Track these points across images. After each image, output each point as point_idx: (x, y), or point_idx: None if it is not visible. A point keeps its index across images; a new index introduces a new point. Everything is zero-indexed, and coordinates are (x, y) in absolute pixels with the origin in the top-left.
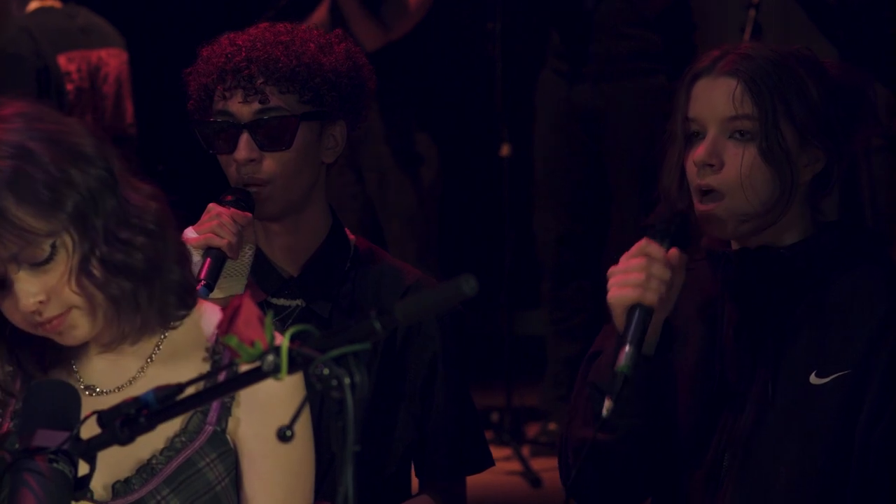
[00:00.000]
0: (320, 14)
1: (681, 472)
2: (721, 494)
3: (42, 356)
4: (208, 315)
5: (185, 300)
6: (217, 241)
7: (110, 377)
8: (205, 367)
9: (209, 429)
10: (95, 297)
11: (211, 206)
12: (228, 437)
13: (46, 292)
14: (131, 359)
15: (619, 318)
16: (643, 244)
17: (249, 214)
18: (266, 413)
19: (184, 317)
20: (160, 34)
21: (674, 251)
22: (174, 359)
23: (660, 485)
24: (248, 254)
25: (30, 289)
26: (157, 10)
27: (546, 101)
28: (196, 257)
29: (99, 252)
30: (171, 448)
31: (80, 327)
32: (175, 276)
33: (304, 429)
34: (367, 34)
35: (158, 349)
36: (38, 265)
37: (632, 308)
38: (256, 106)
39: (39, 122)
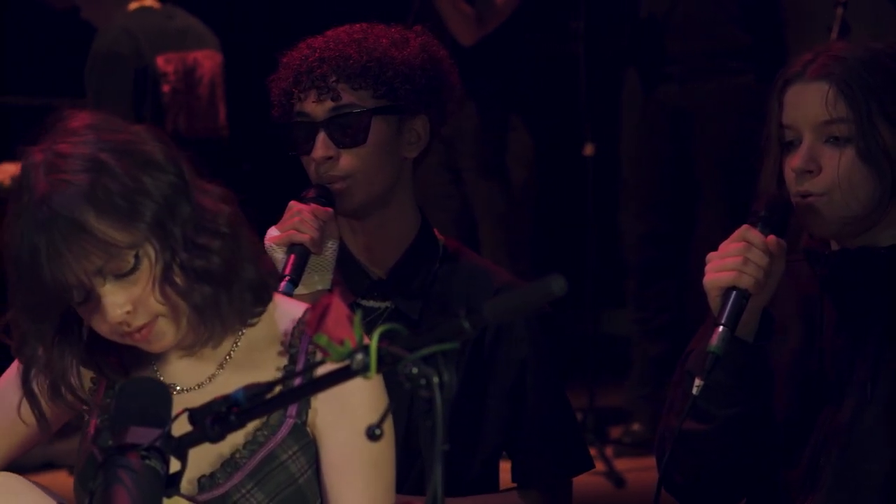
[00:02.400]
0: None
1: (777, 468)
2: (817, 493)
3: (122, 361)
4: (282, 308)
5: (262, 297)
6: (299, 237)
7: (191, 375)
8: (281, 361)
9: (290, 421)
10: (179, 304)
11: (292, 203)
12: (309, 429)
13: (133, 303)
14: (211, 357)
15: (714, 301)
16: (743, 230)
17: (330, 209)
18: (344, 404)
19: (261, 313)
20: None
21: (773, 238)
22: (251, 354)
23: (755, 481)
24: (331, 248)
25: (116, 300)
26: (252, 9)
27: (633, 99)
28: (280, 254)
29: (179, 259)
30: (253, 442)
31: (166, 335)
32: (250, 274)
33: (386, 424)
34: (461, 28)
35: (237, 346)
36: (123, 276)
37: (727, 291)
38: (330, 104)
39: (108, 132)
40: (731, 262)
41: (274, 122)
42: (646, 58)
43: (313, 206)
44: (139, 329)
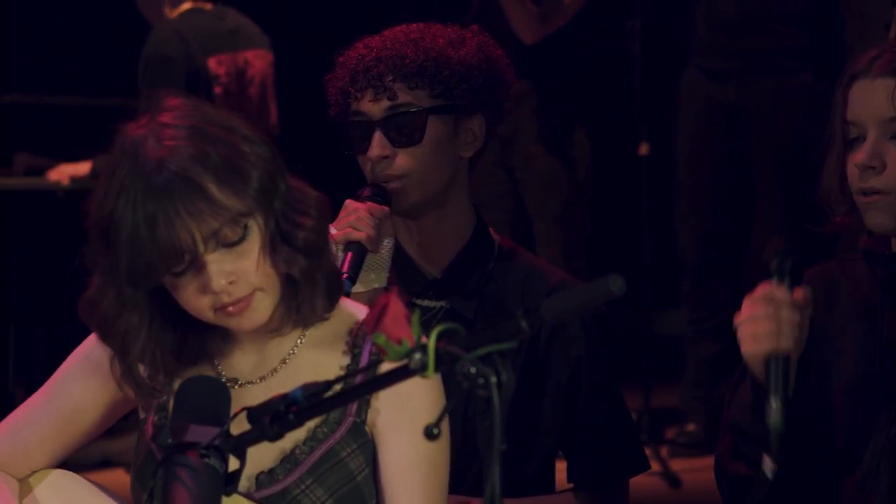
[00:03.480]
0: None
1: (834, 475)
2: (875, 498)
3: (181, 354)
4: (347, 308)
5: (336, 293)
6: (356, 235)
7: (253, 369)
8: (344, 361)
9: (350, 420)
10: (277, 279)
11: (348, 202)
12: (368, 428)
13: (237, 273)
14: (274, 351)
15: (756, 369)
16: (767, 290)
17: (386, 208)
18: (405, 406)
19: (331, 309)
20: (303, 32)
21: (798, 291)
22: (315, 351)
23: (812, 487)
24: (387, 246)
25: (222, 268)
26: (302, 8)
27: (689, 98)
28: (337, 252)
29: (281, 230)
30: (313, 438)
31: (260, 310)
32: (331, 267)
33: (444, 426)
34: (524, 26)
35: (301, 342)
36: (231, 245)
37: (769, 358)
38: (386, 103)
39: (205, 108)
40: (764, 329)
41: (330, 121)
42: (702, 56)
43: (369, 204)
44: (237, 301)
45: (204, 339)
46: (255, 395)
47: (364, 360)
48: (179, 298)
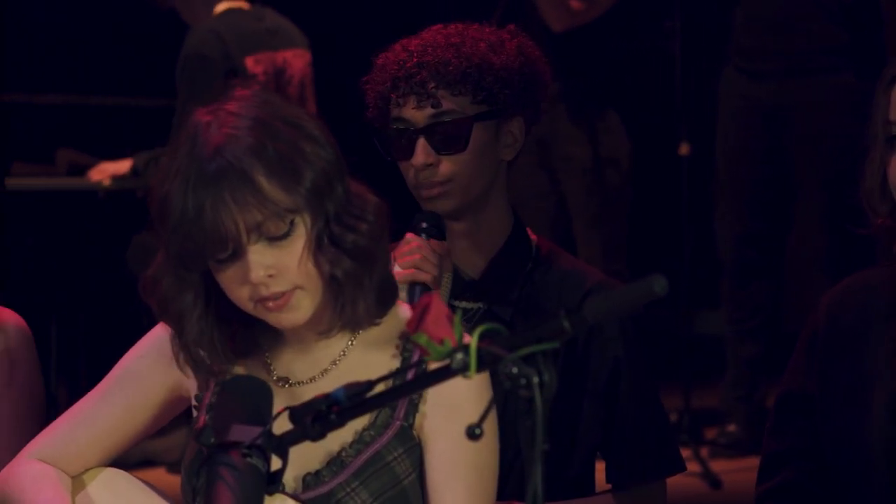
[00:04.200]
0: None
1: (863, 485)
2: None
3: (234, 343)
4: (401, 313)
5: (387, 299)
6: (422, 277)
7: (303, 369)
8: (394, 364)
9: (397, 424)
10: (320, 281)
11: (409, 237)
12: (415, 432)
13: (277, 267)
14: (325, 352)
15: None
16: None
17: (446, 244)
18: (452, 410)
19: (382, 316)
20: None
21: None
22: (366, 353)
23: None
24: (446, 282)
25: (263, 260)
26: (340, 9)
27: (728, 98)
28: (401, 293)
29: (329, 232)
30: (360, 441)
31: (300, 309)
32: (382, 272)
33: (490, 427)
34: (553, 13)
35: (352, 344)
36: (275, 239)
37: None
38: (430, 111)
39: (276, 101)
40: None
41: (369, 124)
42: (741, 56)
43: (433, 242)
44: (276, 296)
45: (254, 332)
46: (305, 396)
47: (413, 364)
48: (223, 287)
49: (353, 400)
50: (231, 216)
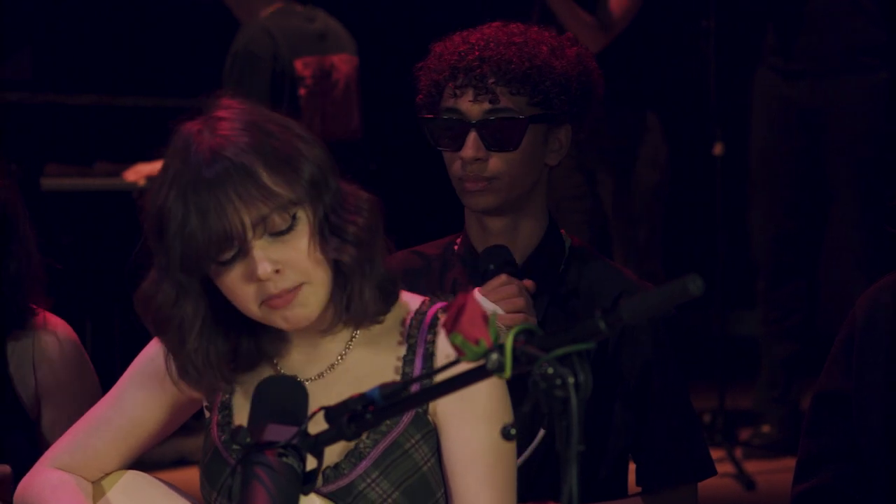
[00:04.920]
0: None
1: None
2: None
3: (235, 359)
4: (401, 299)
5: (388, 296)
6: (532, 321)
7: (311, 366)
8: (400, 351)
9: (412, 410)
10: (325, 274)
11: (505, 278)
12: (430, 418)
13: (283, 262)
14: (330, 346)
15: None
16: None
17: (530, 282)
18: (464, 394)
19: (387, 311)
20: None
21: None
22: (370, 344)
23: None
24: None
25: (269, 256)
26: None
27: (762, 98)
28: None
29: (330, 225)
30: (376, 431)
31: (308, 305)
32: (380, 269)
33: (505, 412)
34: (585, 37)
35: (356, 335)
36: (278, 234)
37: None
38: (486, 105)
39: (262, 110)
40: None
41: (417, 112)
42: (775, 56)
43: (527, 282)
44: (282, 293)
45: (259, 341)
46: (315, 392)
47: (420, 350)
48: (227, 291)
49: (388, 400)
50: (237, 213)
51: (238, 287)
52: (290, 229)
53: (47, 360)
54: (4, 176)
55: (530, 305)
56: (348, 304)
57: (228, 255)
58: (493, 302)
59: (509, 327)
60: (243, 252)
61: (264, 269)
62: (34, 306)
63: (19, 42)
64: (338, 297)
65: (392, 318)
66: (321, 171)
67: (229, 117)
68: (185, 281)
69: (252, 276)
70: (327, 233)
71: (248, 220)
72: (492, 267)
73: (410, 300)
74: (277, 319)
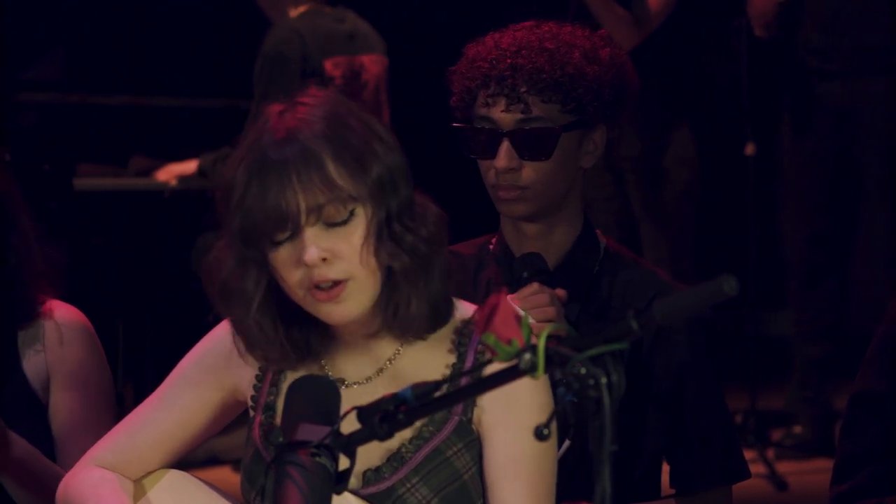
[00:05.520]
0: None
1: None
2: None
3: (290, 349)
4: (455, 307)
5: (442, 317)
6: (562, 332)
7: (359, 370)
8: (450, 360)
9: (456, 419)
10: (374, 274)
11: (536, 286)
12: (474, 426)
13: (332, 251)
14: (379, 351)
15: None
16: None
17: (562, 292)
18: (510, 403)
19: (433, 331)
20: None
21: None
22: (420, 350)
23: None
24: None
25: (319, 243)
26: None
27: (793, 98)
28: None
29: (390, 230)
30: (419, 437)
31: (351, 301)
32: (437, 286)
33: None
34: (619, 32)
35: (406, 340)
36: (333, 226)
37: None
38: (519, 115)
39: (349, 104)
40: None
41: (451, 115)
42: (809, 54)
43: (559, 291)
44: (329, 283)
45: (308, 334)
46: (362, 396)
47: (469, 359)
48: (278, 273)
49: (420, 400)
50: (294, 195)
51: (286, 269)
52: (345, 223)
53: (54, 342)
54: (1, 168)
55: (561, 315)
56: (395, 312)
57: (283, 236)
58: (524, 310)
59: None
60: (296, 235)
61: (311, 254)
62: (40, 297)
63: (51, 42)
64: (384, 304)
65: (444, 326)
66: (391, 174)
67: (312, 104)
68: (246, 253)
69: (300, 261)
70: (385, 237)
71: (303, 205)
72: (525, 275)
73: (463, 307)
74: (321, 311)
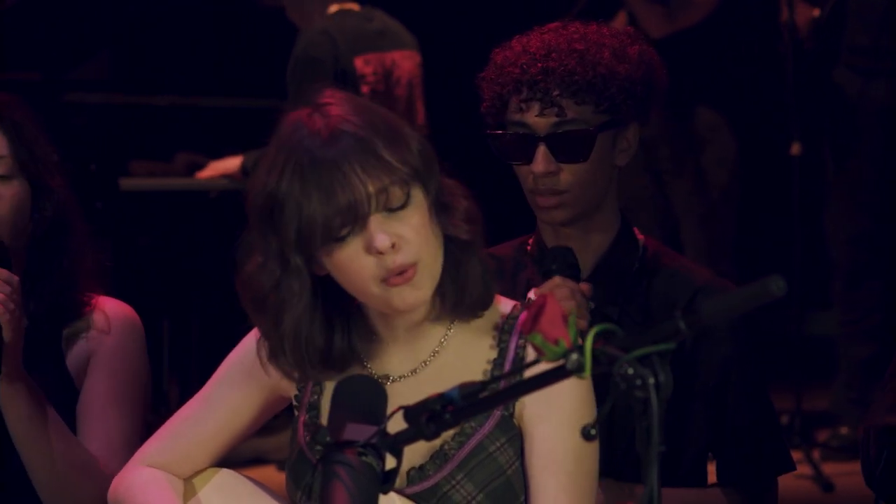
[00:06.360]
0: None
1: None
2: None
3: (328, 357)
4: (495, 303)
5: (490, 293)
6: (581, 325)
7: (403, 364)
8: (491, 355)
9: (497, 414)
10: (439, 250)
11: (559, 280)
12: (515, 421)
13: (399, 236)
14: (422, 345)
15: None
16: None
17: (586, 286)
18: (552, 398)
19: (487, 306)
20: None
21: None
22: (462, 345)
23: None
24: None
25: (386, 229)
26: (448, 10)
27: (840, 97)
28: None
29: (440, 205)
30: (461, 434)
31: (423, 287)
32: (485, 261)
33: (590, 415)
34: (650, 21)
35: (449, 333)
36: (394, 210)
37: None
38: (553, 119)
39: (365, 100)
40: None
41: (483, 122)
42: (854, 54)
43: (583, 285)
44: (402, 268)
45: (351, 339)
46: (406, 390)
47: (510, 354)
48: (342, 269)
49: (467, 400)
50: (361, 184)
51: (355, 262)
52: (405, 205)
53: (100, 331)
54: (62, 175)
55: (582, 308)
56: (462, 287)
57: (346, 231)
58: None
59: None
60: (361, 226)
61: (382, 240)
62: (88, 296)
63: (98, 44)
64: (449, 280)
65: (485, 321)
66: (427, 152)
67: (336, 102)
68: (296, 262)
69: (370, 248)
70: (439, 211)
71: (371, 189)
72: (553, 267)
73: (503, 304)
74: (394, 298)
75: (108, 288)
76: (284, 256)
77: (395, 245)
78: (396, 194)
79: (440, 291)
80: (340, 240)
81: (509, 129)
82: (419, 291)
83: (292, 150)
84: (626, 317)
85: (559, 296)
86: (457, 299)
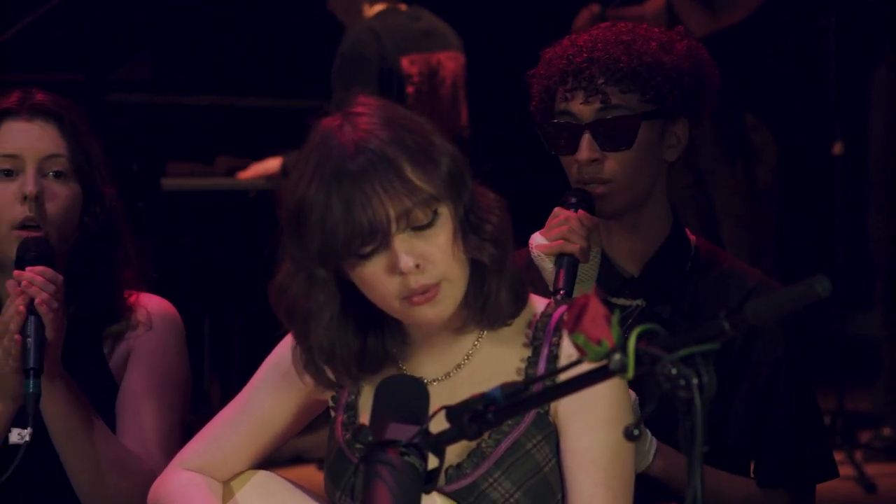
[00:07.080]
0: (656, 2)
1: None
2: None
3: (363, 359)
4: (528, 302)
5: (523, 295)
6: (570, 248)
7: (437, 367)
8: (525, 353)
9: (533, 411)
10: (463, 271)
11: (557, 210)
12: (551, 418)
13: (424, 257)
14: (456, 347)
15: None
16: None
17: (596, 218)
18: (586, 394)
19: (519, 313)
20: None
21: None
22: (496, 345)
23: None
24: (595, 256)
25: (411, 250)
26: (493, 11)
27: (881, 98)
28: (548, 264)
29: (468, 222)
30: (498, 431)
31: (446, 302)
32: (513, 269)
33: (626, 417)
34: (693, 18)
35: (482, 337)
36: (419, 229)
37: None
38: (598, 106)
39: (397, 107)
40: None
41: (532, 119)
42: (894, 55)
43: (581, 213)
44: (425, 288)
45: (384, 341)
46: (442, 393)
47: (544, 352)
48: (366, 285)
49: (509, 399)
50: (382, 205)
51: (379, 281)
52: (430, 224)
53: (142, 328)
54: (114, 184)
55: (574, 232)
56: (484, 303)
57: (369, 249)
58: (542, 235)
59: (549, 255)
60: (384, 245)
61: (406, 262)
62: (130, 296)
63: (139, 44)
64: (473, 297)
65: (519, 320)
66: (458, 166)
67: (367, 112)
68: (321, 273)
69: (394, 269)
70: (468, 230)
71: (392, 213)
72: (574, 200)
73: (536, 302)
74: (417, 316)
75: (148, 287)
76: (311, 268)
77: (419, 266)
78: (421, 215)
79: (465, 303)
80: (364, 256)
81: (556, 119)
82: (442, 308)
83: (320, 160)
84: (677, 316)
85: (554, 223)
86: (483, 314)
